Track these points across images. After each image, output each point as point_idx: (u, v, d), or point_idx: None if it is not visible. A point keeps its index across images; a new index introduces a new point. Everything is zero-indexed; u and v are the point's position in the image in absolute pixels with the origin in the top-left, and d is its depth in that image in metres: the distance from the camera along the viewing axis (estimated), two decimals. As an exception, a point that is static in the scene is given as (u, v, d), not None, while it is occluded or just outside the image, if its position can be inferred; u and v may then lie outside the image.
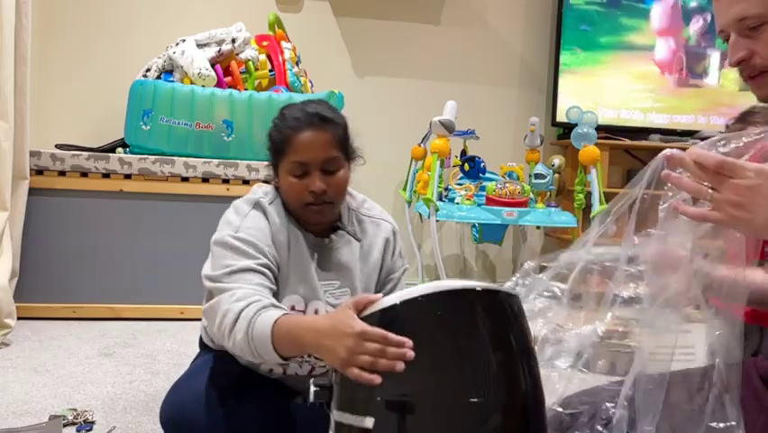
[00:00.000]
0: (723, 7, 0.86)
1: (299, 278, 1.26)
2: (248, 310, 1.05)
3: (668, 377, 0.79)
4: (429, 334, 0.87)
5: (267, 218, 1.26)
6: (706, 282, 0.80)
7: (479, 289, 0.89)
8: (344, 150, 1.32)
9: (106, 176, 2.59)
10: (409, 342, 0.85)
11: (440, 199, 2.78)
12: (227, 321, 1.07)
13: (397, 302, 0.89)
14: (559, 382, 0.89)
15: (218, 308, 1.11)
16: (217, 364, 1.32)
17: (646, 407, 0.77)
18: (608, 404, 0.85)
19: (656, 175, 0.83)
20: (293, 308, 1.24)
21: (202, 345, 1.46)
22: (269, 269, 1.20)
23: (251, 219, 1.25)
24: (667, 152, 0.80)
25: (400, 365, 0.83)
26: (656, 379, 0.78)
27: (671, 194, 0.82)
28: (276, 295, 1.20)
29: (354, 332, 0.87)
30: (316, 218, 1.29)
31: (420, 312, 0.88)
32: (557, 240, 3.50)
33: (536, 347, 0.92)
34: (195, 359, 1.46)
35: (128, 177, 2.60)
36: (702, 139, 3.69)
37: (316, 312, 1.26)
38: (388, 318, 0.88)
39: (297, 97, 2.69)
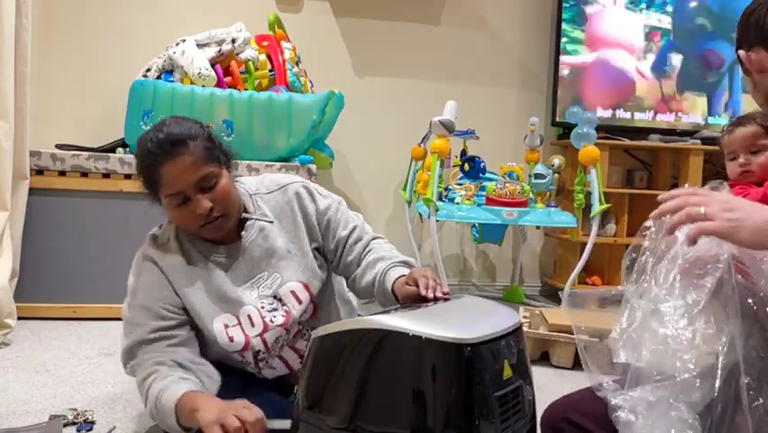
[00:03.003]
0: None
1: (218, 297, 1.29)
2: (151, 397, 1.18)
3: None
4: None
5: (160, 268, 1.30)
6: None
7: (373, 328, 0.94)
8: (215, 160, 1.28)
9: (106, 176, 2.59)
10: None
11: (440, 199, 2.78)
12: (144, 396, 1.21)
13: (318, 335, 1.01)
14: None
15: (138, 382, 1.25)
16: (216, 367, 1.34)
17: None
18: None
19: None
20: (226, 326, 1.28)
21: None
22: (165, 322, 1.26)
23: (144, 279, 1.30)
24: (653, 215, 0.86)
25: None
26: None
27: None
28: (201, 324, 1.29)
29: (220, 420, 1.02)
30: (216, 234, 1.30)
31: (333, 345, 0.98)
32: (557, 240, 3.51)
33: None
34: None
35: (128, 177, 2.60)
36: (702, 139, 3.67)
37: (249, 318, 1.30)
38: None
39: (297, 97, 2.69)
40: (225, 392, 1.24)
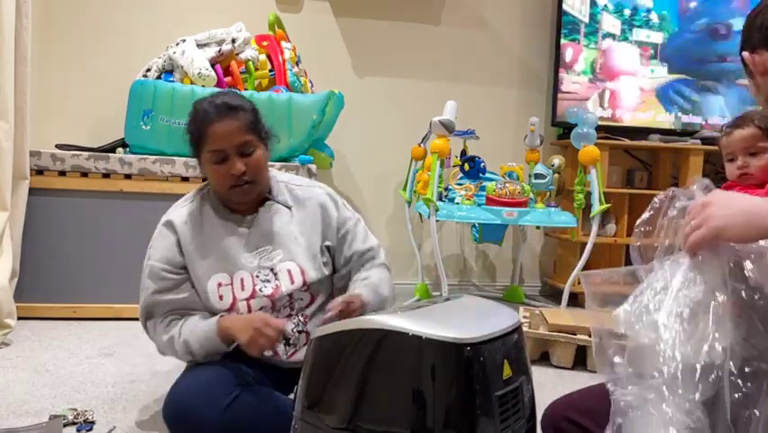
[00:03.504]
0: None
1: (220, 255, 1.43)
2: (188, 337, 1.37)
3: None
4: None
5: (173, 224, 1.45)
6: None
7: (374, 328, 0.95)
8: (257, 133, 1.45)
9: (106, 176, 2.59)
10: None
11: (440, 199, 2.78)
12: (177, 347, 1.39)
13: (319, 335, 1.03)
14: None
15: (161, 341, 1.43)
16: (217, 362, 1.38)
17: None
18: None
19: None
20: (219, 285, 1.41)
21: None
22: (164, 283, 1.42)
23: (157, 244, 1.45)
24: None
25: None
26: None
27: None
28: (197, 281, 1.43)
29: (255, 325, 1.28)
30: (242, 198, 1.45)
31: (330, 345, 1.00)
32: (557, 240, 3.51)
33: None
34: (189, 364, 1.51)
35: (128, 177, 2.60)
36: (702, 139, 3.66)
37: (242, 281, 1.42)
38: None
39: (297, 97, 2.69)
40: (223, 387, 1.29)
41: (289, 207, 1.50)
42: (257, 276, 1.42)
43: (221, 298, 1.40)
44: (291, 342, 1.43)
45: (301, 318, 1.45)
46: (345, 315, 1.27)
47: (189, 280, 1.43)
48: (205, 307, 1.42)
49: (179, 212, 1.47)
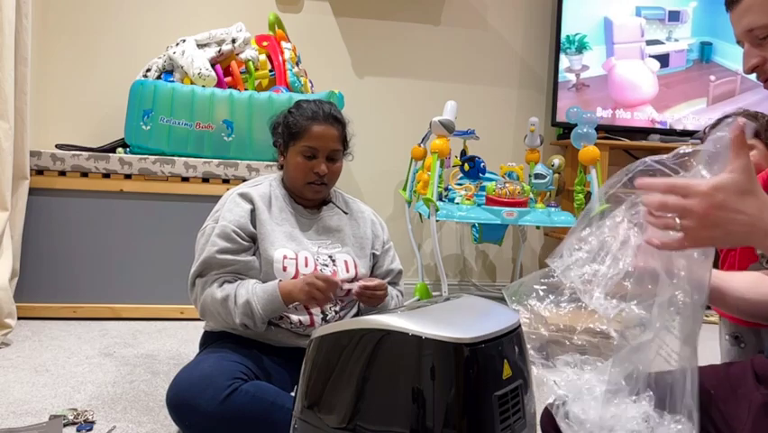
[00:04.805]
0: (736, 19, 0.90)
1: (287, 237, 1.55)
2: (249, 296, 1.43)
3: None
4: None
5: (250, 196, 1.55)
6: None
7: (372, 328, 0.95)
8: (345, 146, 1.63)
9: (106, 176, 2.59)
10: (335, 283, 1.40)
11: (440, 199, 2.78)
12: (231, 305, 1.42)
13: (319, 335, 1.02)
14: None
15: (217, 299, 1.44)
16: (219, 353, 1.42)
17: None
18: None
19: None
20: (285, 257, 1.50)
21: (204, 338, 1.59)
22: (232, 245, 1.48)
23: (230, 208, 1.52)
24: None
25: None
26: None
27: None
28: (264, 248, 1.50)
29: (308, 281, 1.39)
30: (313, 195, 1.60)
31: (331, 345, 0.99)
32: (557, 240, 3.50)
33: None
34: (198, 354, 1.55)
35: (128, 177, 2.60)
36: (702, 139, 3.69)
37: (306, 259, 1.53)
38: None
39: (297, 97, 2.69)
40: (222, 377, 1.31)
41: (346, 213, 1.67)
42: (317, 259, 1.54)
43: (284, 269, 1.49)
44: (328, 319, 1.51)
45: (341, 303, 1.56)
46: (368, 295, 1.49)
47: (253, 250, 1.52)
48: (264, 276, 1.49)
49: (253, 189, 1.58)
